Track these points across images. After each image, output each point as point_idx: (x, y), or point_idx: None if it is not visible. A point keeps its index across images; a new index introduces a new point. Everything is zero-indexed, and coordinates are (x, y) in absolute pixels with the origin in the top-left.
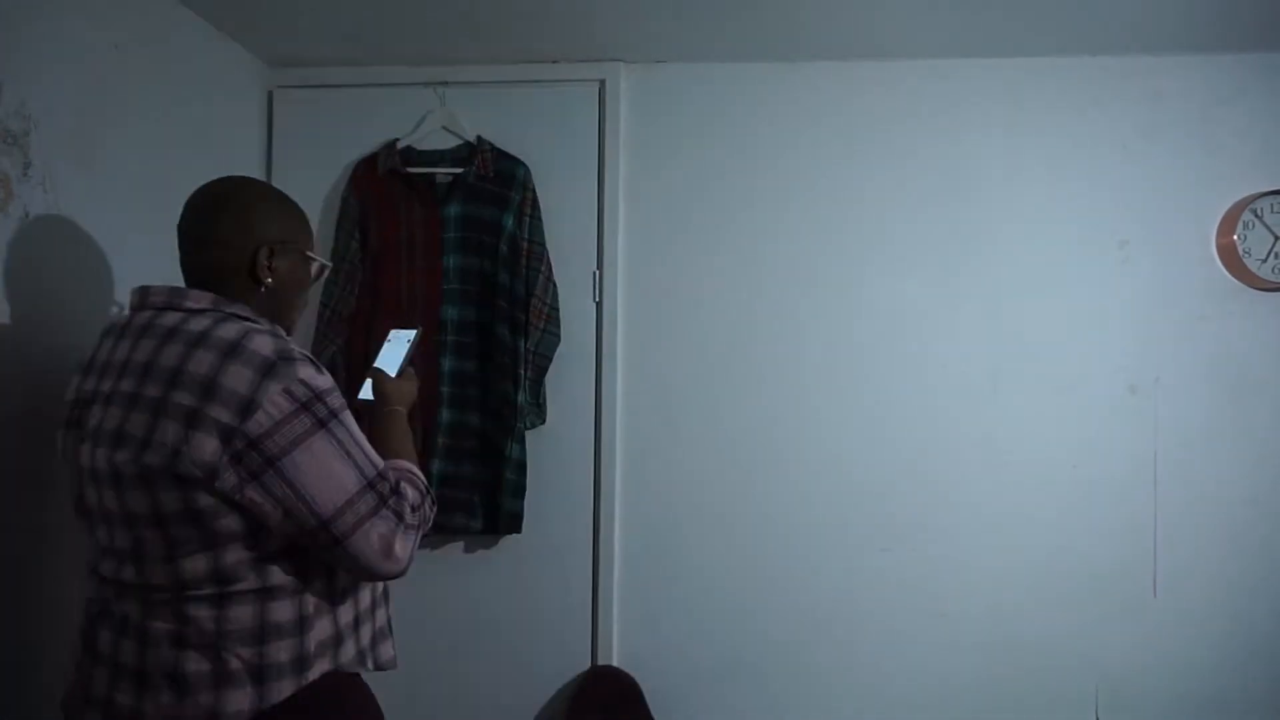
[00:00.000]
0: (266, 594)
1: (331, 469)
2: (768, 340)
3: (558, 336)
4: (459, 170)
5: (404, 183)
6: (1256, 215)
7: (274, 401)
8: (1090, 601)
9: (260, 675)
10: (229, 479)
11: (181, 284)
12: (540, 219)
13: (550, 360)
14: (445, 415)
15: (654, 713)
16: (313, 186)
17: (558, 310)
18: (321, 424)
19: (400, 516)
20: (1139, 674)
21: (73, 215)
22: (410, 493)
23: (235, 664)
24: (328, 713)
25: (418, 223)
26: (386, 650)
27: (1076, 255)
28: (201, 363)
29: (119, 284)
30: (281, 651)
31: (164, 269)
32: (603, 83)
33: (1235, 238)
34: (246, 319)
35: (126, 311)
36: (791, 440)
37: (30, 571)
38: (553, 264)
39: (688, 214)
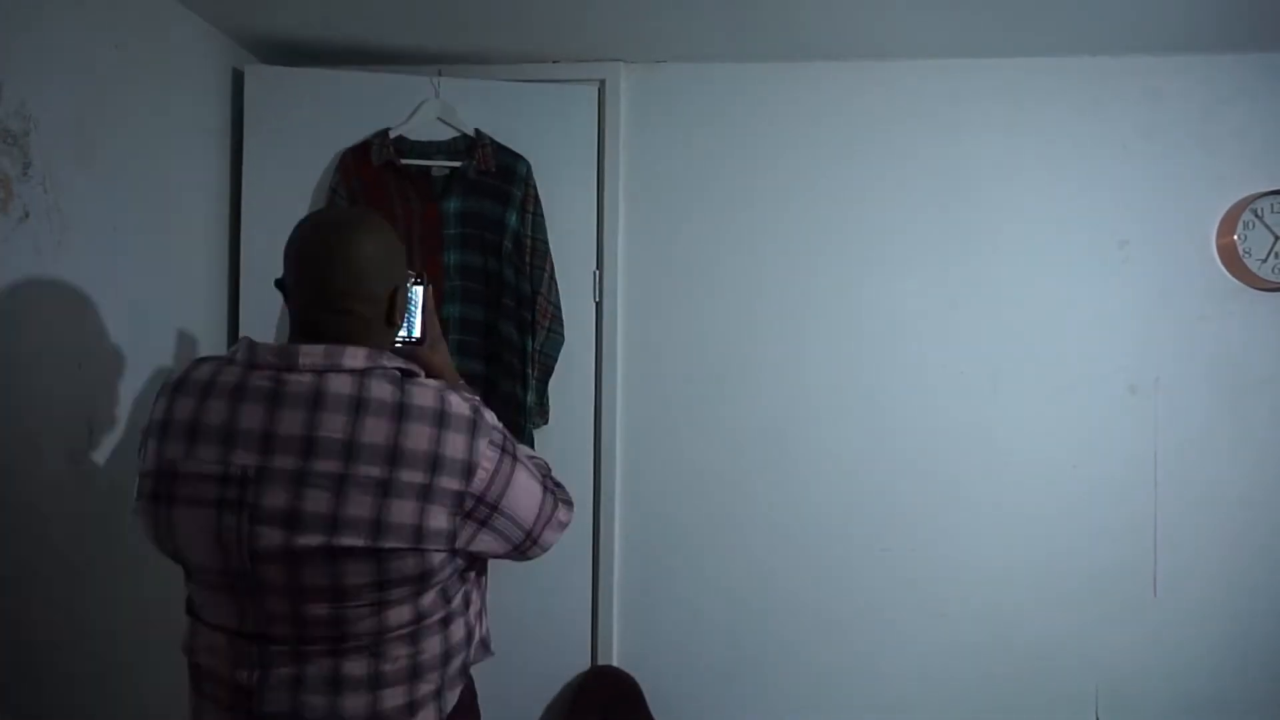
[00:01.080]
0: (448, 620)
1: (530, 490)
2: (768, 340)
3: (562, 336)
4: (457, 164)
5: (398, 175)
6: (1256, 215)
7: (487, 456)
8: (1090, 601)
9: (440, 692)
10: (465, 535)
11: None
12: (542, 216)
13: (555, 360)
14: None
15: (654, 713)
16: (318, 185)
17: (561, 309)
18: (515, 459)
19: (562, 501)
20: (1139, 674)
21: (73, 215)
22: (548, 467)
23: (425, 689)
24: (473, 706)
25: (415, 217)
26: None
27: (1076, 255)
28: (420, 438)
29: (119, 284)
30: (454, 666)
31: (164, 269)
32: (603, 83)
33: (1235, 238)
34: (404, 370)
35: (240, 366)
36: (791, 440)
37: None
38: (554, 263)
39: (688, 214)
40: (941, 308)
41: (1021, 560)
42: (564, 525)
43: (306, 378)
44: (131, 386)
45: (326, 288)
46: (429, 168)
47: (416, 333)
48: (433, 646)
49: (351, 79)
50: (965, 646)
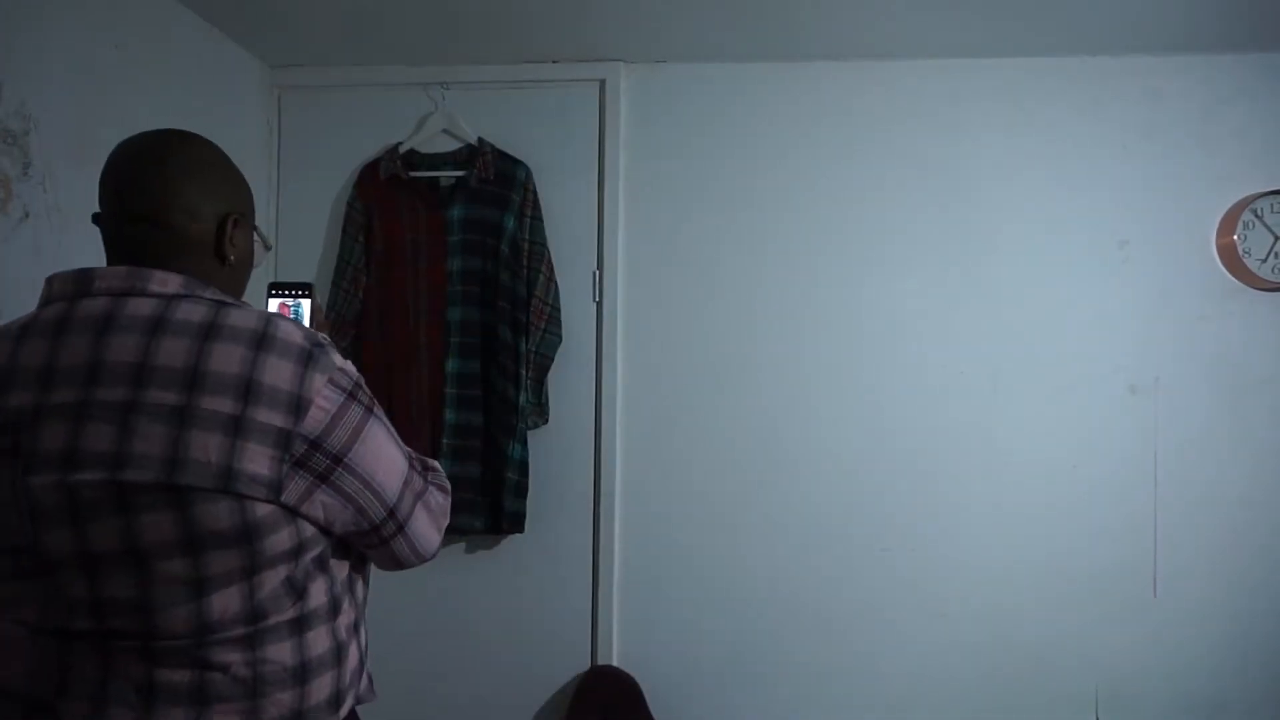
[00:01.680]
0: (301, 624)
1: (390, 455)
2: (768, 340)
3: (559, 336)
4: (461, 173)
5: (408, 186)
6: (1256, 215)
7: (324, 395)
8: (1090, 601)
9: None
10: (296, 489)
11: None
12: (541, 219)
13: (551, 360)
14: (450, 416)
15: (654, 713)
16: (317, 188)
17: (559, 310)
18: (371, 412)
19: (443, 488)
20: (1139, 674)
21: (73, 215)
22: (431, 462)
23: (274, 712)
24: None
25: (422, 226)
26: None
27: (1076, 255)
28: (229, 359)
29: None
30: (322, 690)
31: None
32: (603, 83)
33: (1235, 238)
34: (233, 304)
35: (48, 304)
36: (791, 440)
37: None
38: (554, 264)
39: (688, 214)
40: (941, 308)
41: (1021, 560)
42: (441, 517)
43: (100, 302)
44: None
45: (136, 195)
46: (437, 178)
47: None
48: (281, 657)
49: (368, 96)
50: (965, 646)
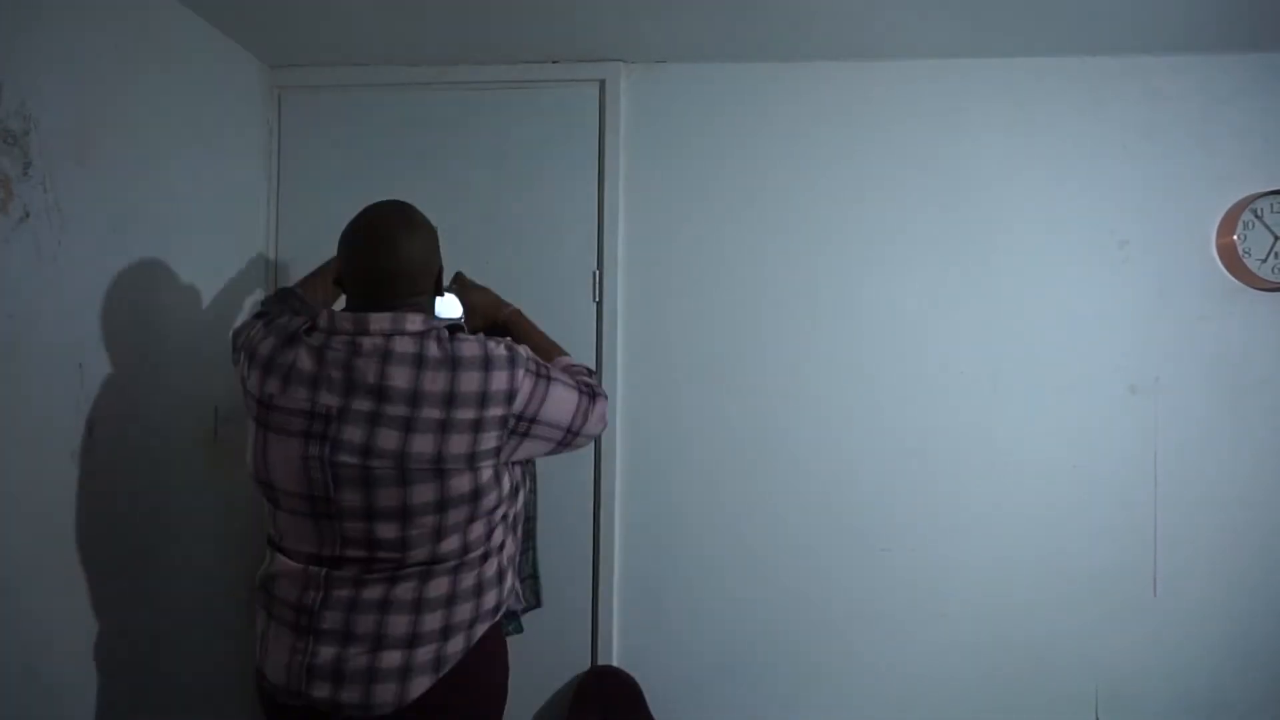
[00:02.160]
0: (486, 556)
1: (566, 399)
2: (768, 340)
3: None
4: None
5: None
6: (1256, 215)
7: (524, 382)
8: (1090, 601)
9: (473, 623)
10: (510, 447)
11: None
12: None
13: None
14: None
15: (654, 713)
16: (317, 188)
17: None
18: (549, 379)
19: (595, 391)
20: (1139, 674)
21: (73, 215)
22: (584, 371)
23: (460, 617)
24: (500, 645)
25: None
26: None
27: (1076, 255)
28: (471, 381)
29: (119, 284)
30: (487, 601)
31: (164, 269)
32: (603, 83)
33: (1235, 238)
34: (451, 327)
35: (324, 331)
36: (791, 440)
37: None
38: (552, 263)
39: (688, 214)
40: (941, 307)
41: (1021, 560)
42: (602, 415)
43: (377, 339)
44: (131, 386)
45: (392, 253)
46: None
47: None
48: (471, 578)
49: (367, 97)
50: (965, 646)
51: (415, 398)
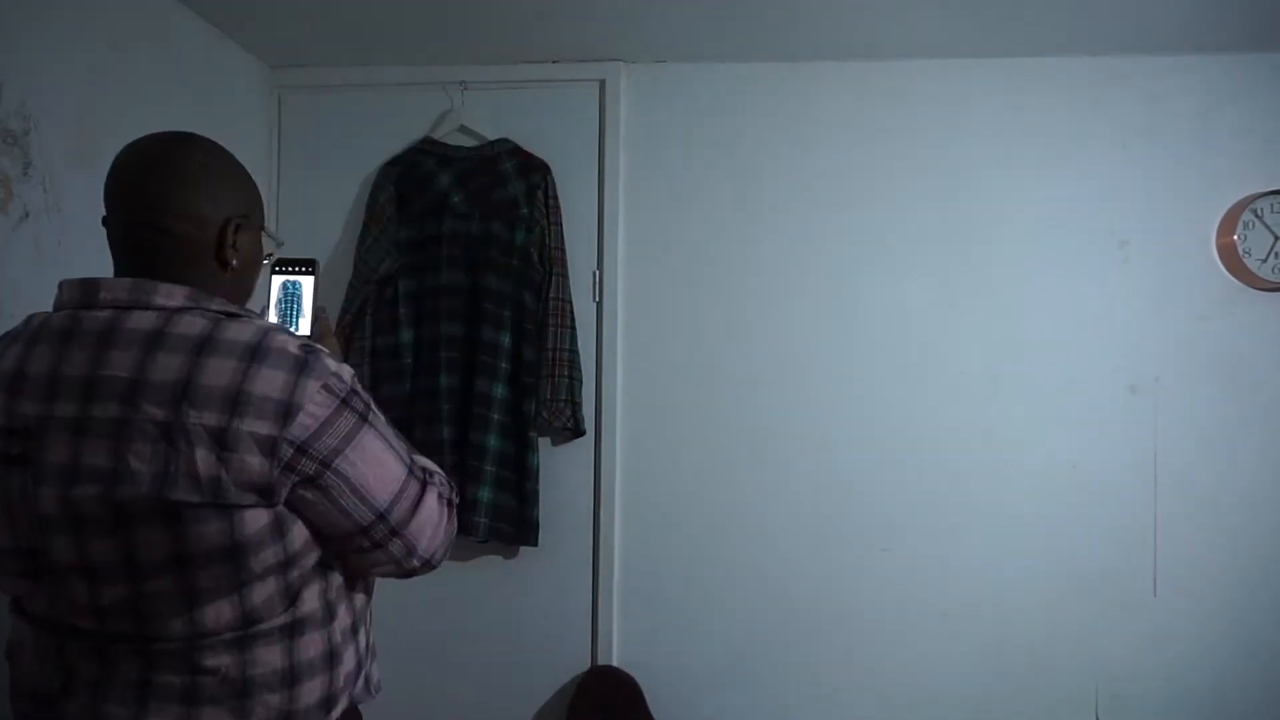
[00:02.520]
0: (293, 630)
1: (383, 461)
2: (768, 340)
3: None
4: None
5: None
6: (1256, 215)
7: (315, 400)
8: (1090, 601)
9: None
10: (286, 492)
11: (110, 271)
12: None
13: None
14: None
15: (654, 713)
16: (317, 188)
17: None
18: (365, 420)
19: (442, 495)
20: (1139, 674)
21: (73, 215)
22: (437, 470)
23: (261, 713)
24: None
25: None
26: (376, 672)
27: (1076, 255)
28: (220, 373)
29: None
30: (312, 693)
31: None
32: (603, 83)
33: (1235, 238)
34: (236, 314)
35: (55, 310)
36: (791, 440)
37: None
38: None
39: (688, 214)
40: (941, 308)
41: (1021, 560)
42: (439, 530)
43: (104, 314)
44: None
45: (138, 201)
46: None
47: (304, 329)
48: (269, 660)
49: (368, 98)
50: (965, 646)
51: (134, 390)
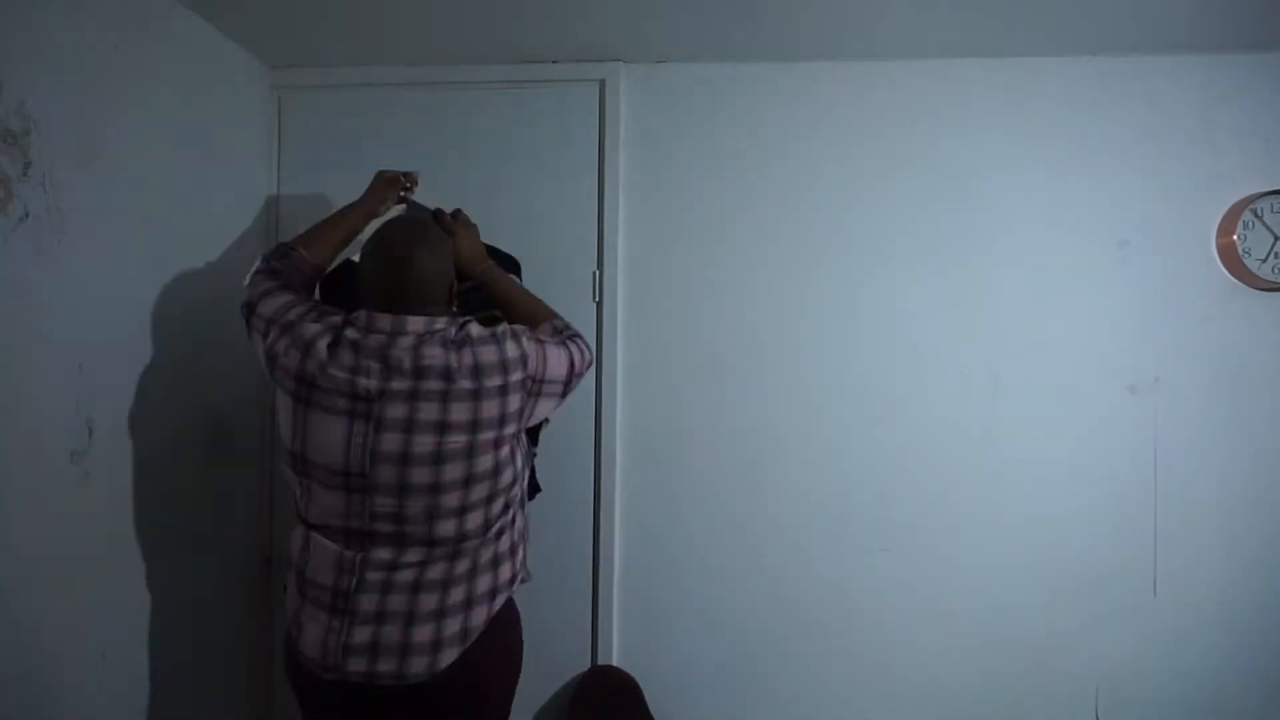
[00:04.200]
0: (502, 531)
1: (560, 357)
2: (767, 340)
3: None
4: None
5: None
6: (1256, 215)
7: (529, 349)
8: (1090, 601)
9: (494, 593)
10: (529, 406)
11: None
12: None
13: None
14: None
15: (654, 713)
16: (317, 188)
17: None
18: (540, 342)
19: (583, 348)
20: (1139, 674)
21: (73, 215)
22: (559, 322)
23: (482, 589)
24: (515, 615)
25: None
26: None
27: (1076, 255)
28: (489, 354)
29: (118, 284)
30: (504, 572)
31: (164, 269)
32: (603, 83)
33: (1235, 238)
34: (468, 321)
35: (361, 329)
36: (791, 440)
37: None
38: (552, 263)
39: (688, 214)
40: (941, 308)
41: (1021, 560)
42: (583, 353)
43: (411, 337)
44: (131, 386)
45: (411, 296)
46: None
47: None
48: (489, 553)
49: (368, 97)
50: (965, 646)
51: (449, 373)
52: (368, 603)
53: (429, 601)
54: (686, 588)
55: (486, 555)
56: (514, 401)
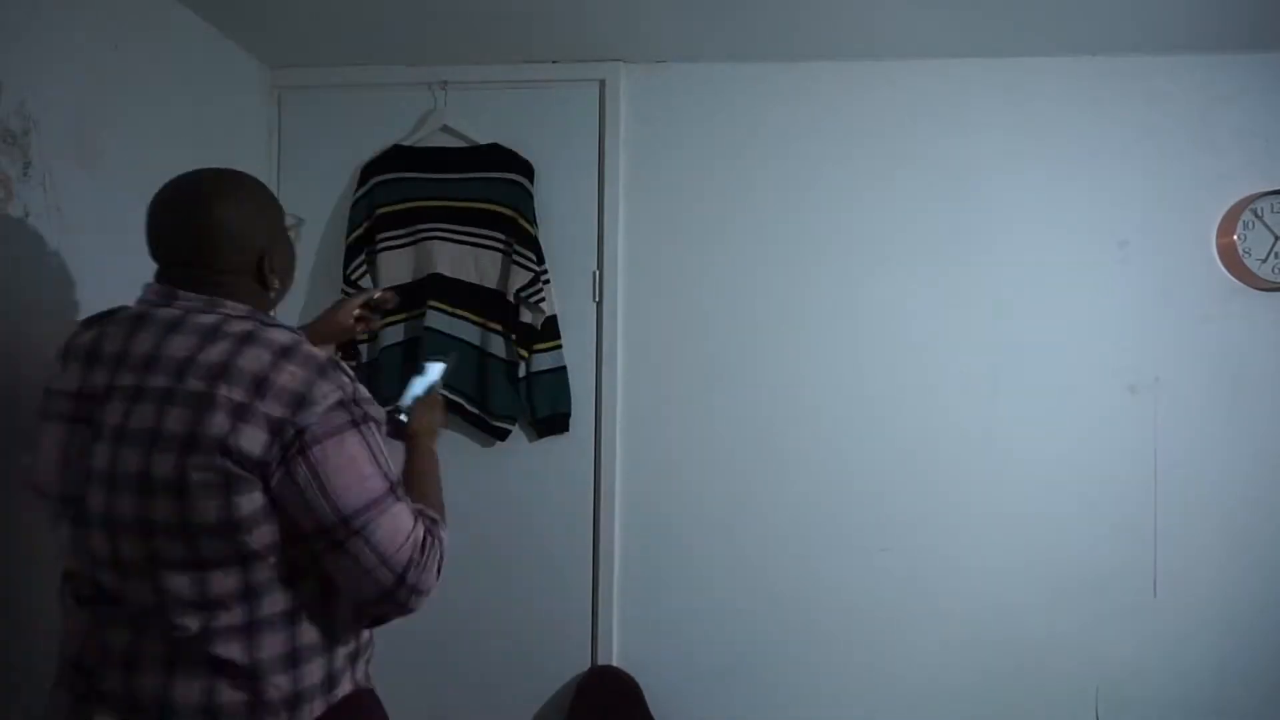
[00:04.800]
0: (295, 614)
1: (361, 469)
2: (767, 340)
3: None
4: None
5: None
6: (1256, 215)
7: (325, 396)
8: (1090, 601)
9: (295, 701)
10: (277, 473)
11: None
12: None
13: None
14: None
15: (654, 713)
16: (317, 188)
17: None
18: (356, 424)
19: (431, 532)
20: (1139, 674)
21: (73, 215)
22: (438, 518)
23: (272, 693)
24: None
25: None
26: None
27: (1076, 255)
28: (255, 360)
29: (118, 284)
30: (314, 673)
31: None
32: (603, 83)
33: (1235, 238)
34: (275, 324)
35: (135, 303)
36: (791, 440)
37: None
38: (552, 263)
39: (688, 214)
40: (941, 307)
41: (1021, 560)
42: (424, 551)
43: (176, 310)
44: None
45: (175, 251)
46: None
47: (405, 404)
48: (275, 644)
49: (369, 96)
50: (965, 646)
51: (185, 367)
52: (112, 679)
53: (190, 690)
54: (686, 588)
55: (272, 649)
56: (251, 437)
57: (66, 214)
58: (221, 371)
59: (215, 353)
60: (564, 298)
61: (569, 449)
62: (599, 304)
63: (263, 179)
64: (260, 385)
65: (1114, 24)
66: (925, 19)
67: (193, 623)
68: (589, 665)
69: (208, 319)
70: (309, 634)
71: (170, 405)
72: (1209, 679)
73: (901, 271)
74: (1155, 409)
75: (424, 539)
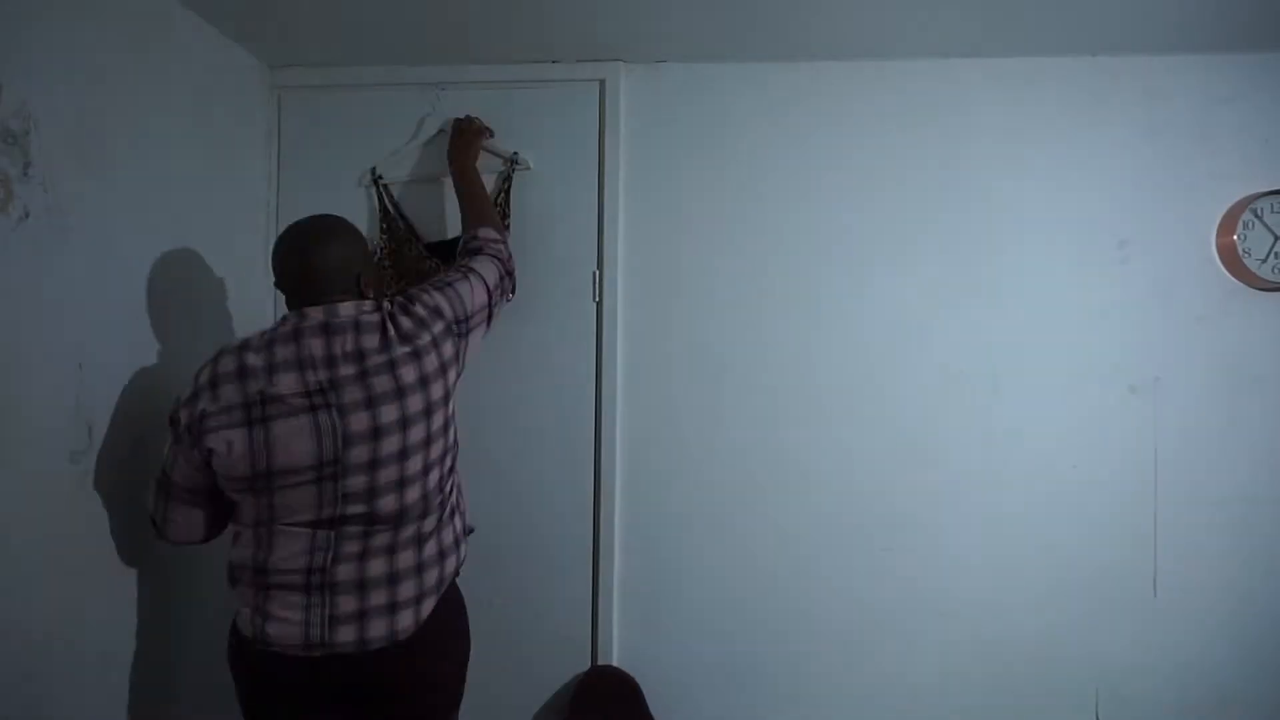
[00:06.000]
0: (452, 491)
1: (469, 289)
2: (768, 339)
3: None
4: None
5: None
6: (1256, 215)
7: (440, 300)
8: (1090, 601)
9: (458, 544)
10: (464, 345)
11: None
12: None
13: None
14: None
15: (654, 713)
16: (317, 188)
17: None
18: (448, 285)
19: (472, 269)
20: (1139, 674)
21: (73, 215)
22: (493, 239)
23: (449, 566)
24: (458, 598)
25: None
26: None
27: (1076, 255)
28: (409, 320)
29: (118, 284)
30: (459, 525)
31: (164, 268)
32: (603, 83)
33: (1235, 238)
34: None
35: (290, 327)
36: (791, 439)
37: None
38: (552, 263)
39: (688, 214)
40: (941, 307)
41: (1021, 560)
42: (496, 265)
43: (344, 319)
44: (131, 386)
45: (312, 292)
46: None
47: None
48: (449, 507)
49: (368, 97)
50: (965, 645)
51: (386, 344)
52: (345, 573)
53: (406, 559)
54: (686, 587)
55: (446, 511)
56: (447, 348)
57: (66, 214)
58: (407, 336)
59: (393, 329)
60: (564, 298)
61: (569, 448)
62: (599, 304)
63: (263, 179)
64: (424, 323)
65: (1114, 24)
66: (925, 19)
67: (428, 524)
68: (589, 665)
69: (371, 317)
70: (456, 529)
71: (396, 369)
72: (1209, 678)
73: (901, 270)
74: (1155, 409)
75: (500, 276)
